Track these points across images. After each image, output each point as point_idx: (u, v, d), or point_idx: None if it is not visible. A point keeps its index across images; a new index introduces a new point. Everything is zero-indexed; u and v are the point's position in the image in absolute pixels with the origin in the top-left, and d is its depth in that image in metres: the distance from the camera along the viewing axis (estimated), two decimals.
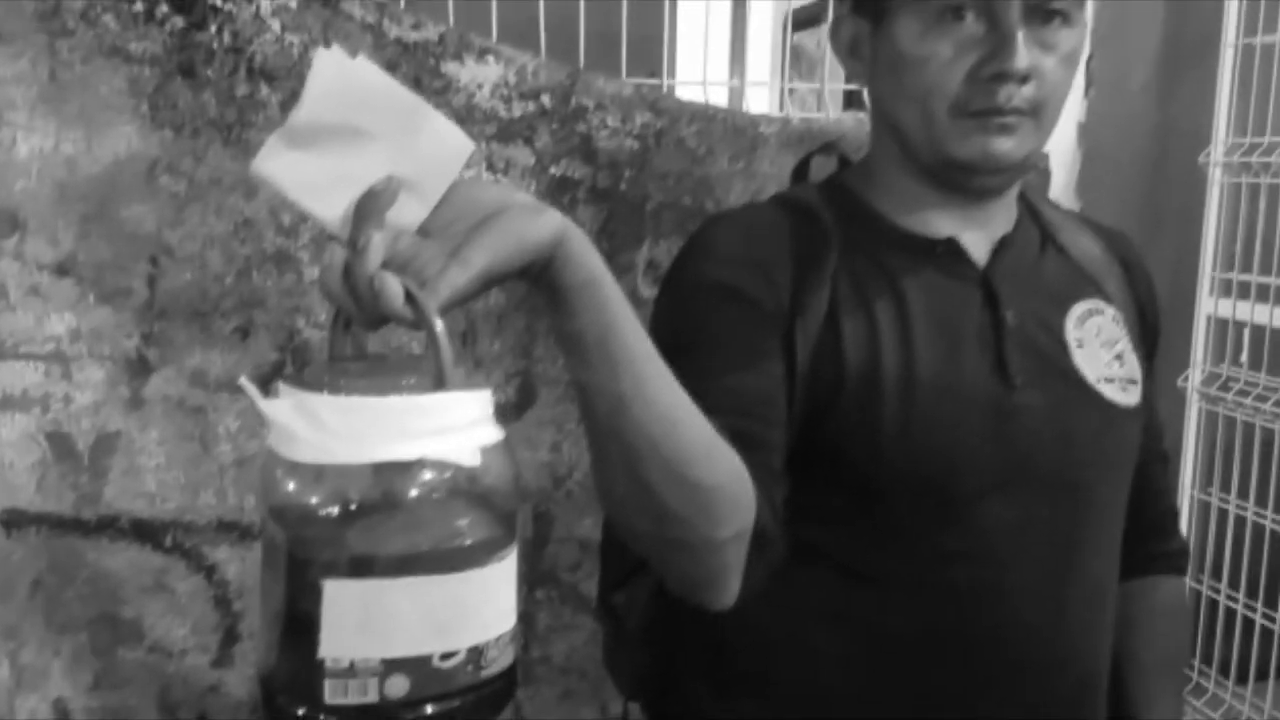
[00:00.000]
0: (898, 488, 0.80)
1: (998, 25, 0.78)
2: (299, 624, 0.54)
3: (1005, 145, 0.80)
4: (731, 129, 1.31)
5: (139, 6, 1.19)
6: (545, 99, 1.28)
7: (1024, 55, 0.77)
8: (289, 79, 1.22)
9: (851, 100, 1.55)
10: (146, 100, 1.21)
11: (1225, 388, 1.92)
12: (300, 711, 0.54)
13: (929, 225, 0.85)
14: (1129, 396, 0.87)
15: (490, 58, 1.26)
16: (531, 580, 1.34)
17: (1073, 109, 2.31)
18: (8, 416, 1.23)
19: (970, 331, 0.83)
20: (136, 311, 1.24)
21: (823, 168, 0.95)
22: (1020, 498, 0.82)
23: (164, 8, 1.20)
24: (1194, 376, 1.99)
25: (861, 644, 0.82)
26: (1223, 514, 1.94)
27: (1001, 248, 0.87)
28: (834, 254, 0.82)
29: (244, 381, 0.58)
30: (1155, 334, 0.97)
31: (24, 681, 1.28)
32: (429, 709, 0.54)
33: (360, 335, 0.61)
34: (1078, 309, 0.87)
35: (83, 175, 1.21)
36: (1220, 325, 1.96)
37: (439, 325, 0.54)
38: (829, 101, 1.46)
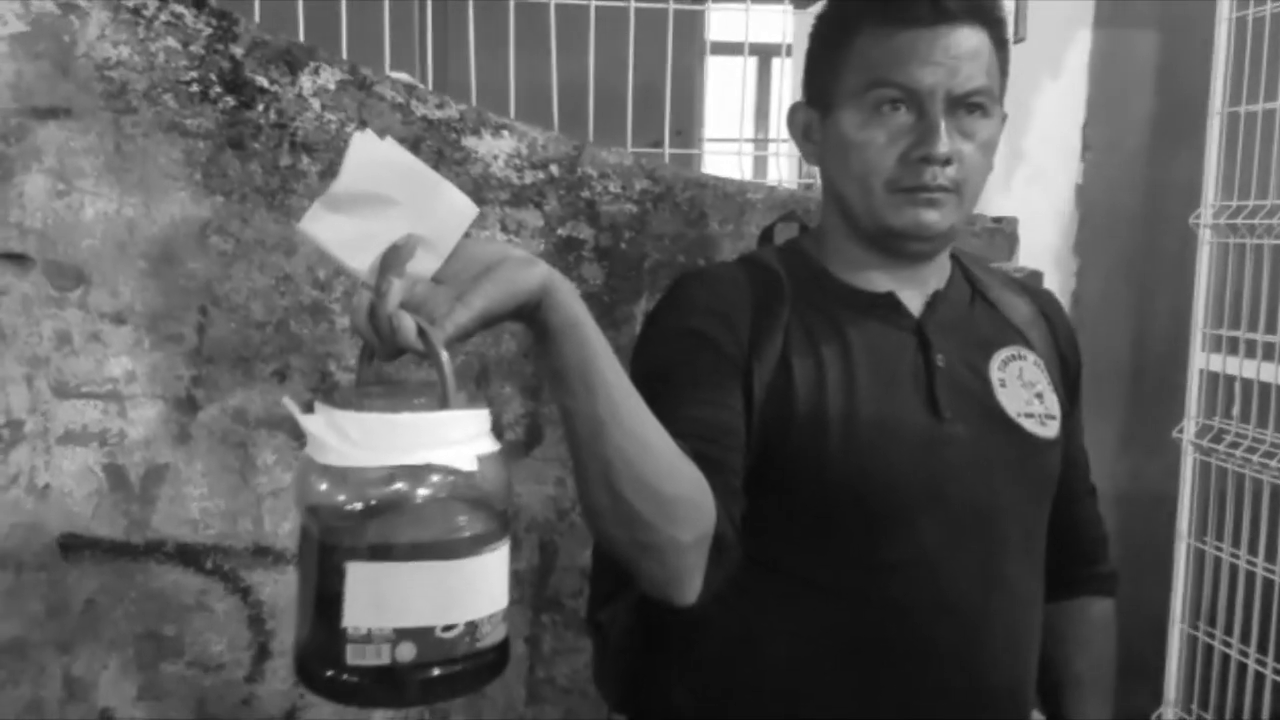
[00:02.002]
0: (841, 507, 0.90)
1: (924, 116, 0.90)
2: (327, 601, 0.64)
3: (931, 217, 0.91)
4: (721, 195, 1.43)
5: (195, 87, 1.33)
6: (553, 168, 1.40)
7: (946, 141, 0.89)
8: (327, 151, 1.34)
9: None
10: (200, 169, 1.33)
11: (1218, 439, 1.97)
12: (327, 673, 0.64)
13: (870, 282, 0.97)
14: (1047, 430, 0.98)
15: (505, 132, 1.39)
16: (537, 605, 1.43)
17: (1070, 172, 2.41)
18: (69, 450, 1.34)
19: (905, 372, 0.94)
20: (187, 356, 1.34)
21: (787, 233, 1.08)
22: (948, 517, 0.91)
23: (218, 89, 1.33)
24: (1188, 429, 2.03)
25: (813, 649, 0.91)
26: (1217, 562, 1.99)
27: (934, 301, 0.98)
28: (787, 306, 0.93)
29: (287, 401, 0.70)
30: (1076, 378, 1.07)
31: (74, 693, 1.37)
32: (433, 672, 0.63)
33: (381, 366, 0.74)
34: (1002, 354, 0.98)
35: (142, 235, 1.33)
36: (1212, 379, 2.01)
37: (444, 355, 0.66)
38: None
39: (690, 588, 0.80)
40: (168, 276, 1.34)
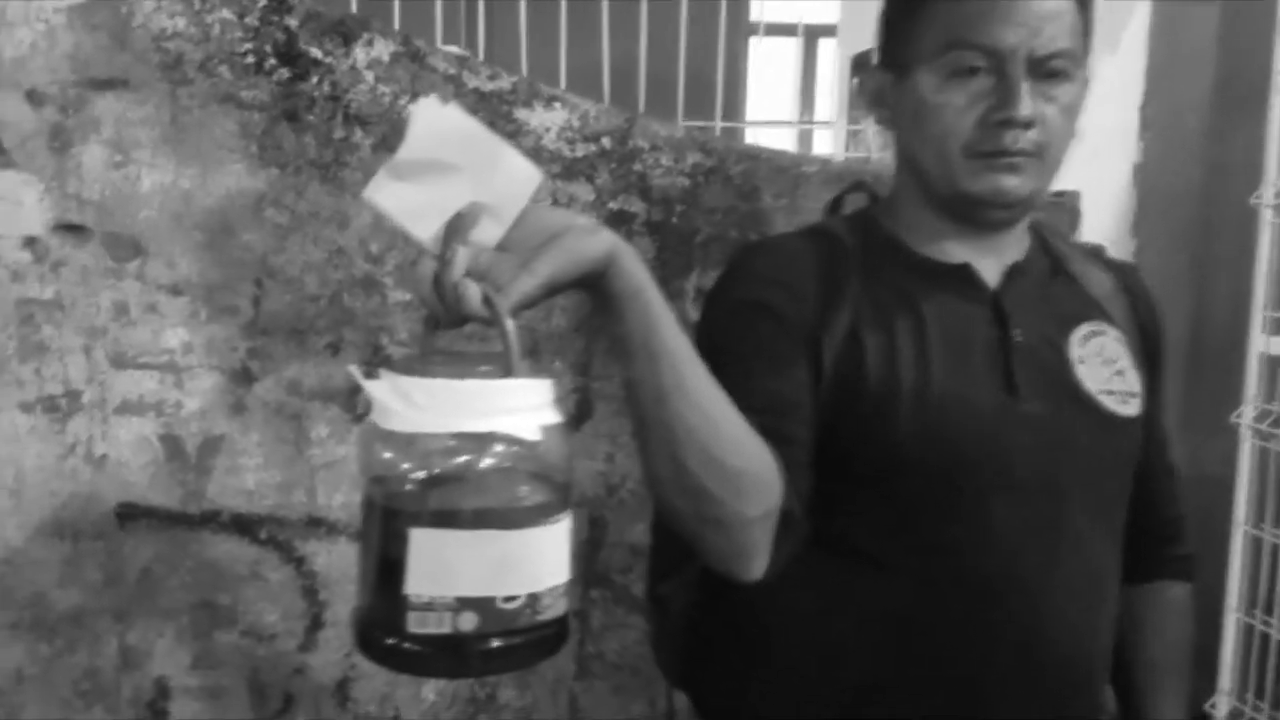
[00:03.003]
0: (909, 484, 0.88)
1: (1005, 78, 0.87)
2: (389, 568, 0.64)
3: (1012, 182, 0.89)
4: (775, 168, 1.41)
5: (250, 59, 1.33)
6: (605, 141, 1.40)
7: (1028, 104, 0.86)
8: (380, 124, 1.34)
9: None
10: (255, 142, 1.33)
11: (1277, 424, 1.94)
12: (388, 640, 0.64)
13: (945, 253, 0.95)
14: (1128, 408, 0.95)
15: (557, 104, 1.39)
16: (586, 581, 1.43)
17: (1128, 150, 2.36)
18: (126, 420, 1.35)
19: (980, 347, 0.91)
20: (242, 328, 1.34)
21: (855, 203, 1.05)
22: (1021, 497, 0.90)
23: (272, 60, 1.33)
24: (1246, 413, 2.00)
25: (878, 629, 0.90)
26: (1275, 549, 1.96)
27: (1012, 273, 0.95)
28: (856, 277, 0.91)
29: (351, 368, 0.71)
30: (1158, 356, 1.05)
31: (130, 661, 1.39)
32: (494, 643, 0.63)
33: (441, 337, 0.73)
34: (1082, 329, 0.96)
35: (198, 207, 1.33)
36: (1272, 363, 1.98)
37: (509, 323, 0.65)
38: (873, 141, 1.56)
39: (756, 563, 0.80)
40: (223, 248, 1.34)
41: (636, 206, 1.41)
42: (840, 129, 2.10)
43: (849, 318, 0.89)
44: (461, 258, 0.65)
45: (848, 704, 0.91)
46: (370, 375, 0.66)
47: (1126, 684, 1.05)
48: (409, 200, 0.68)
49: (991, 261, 0.95)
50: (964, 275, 0.94)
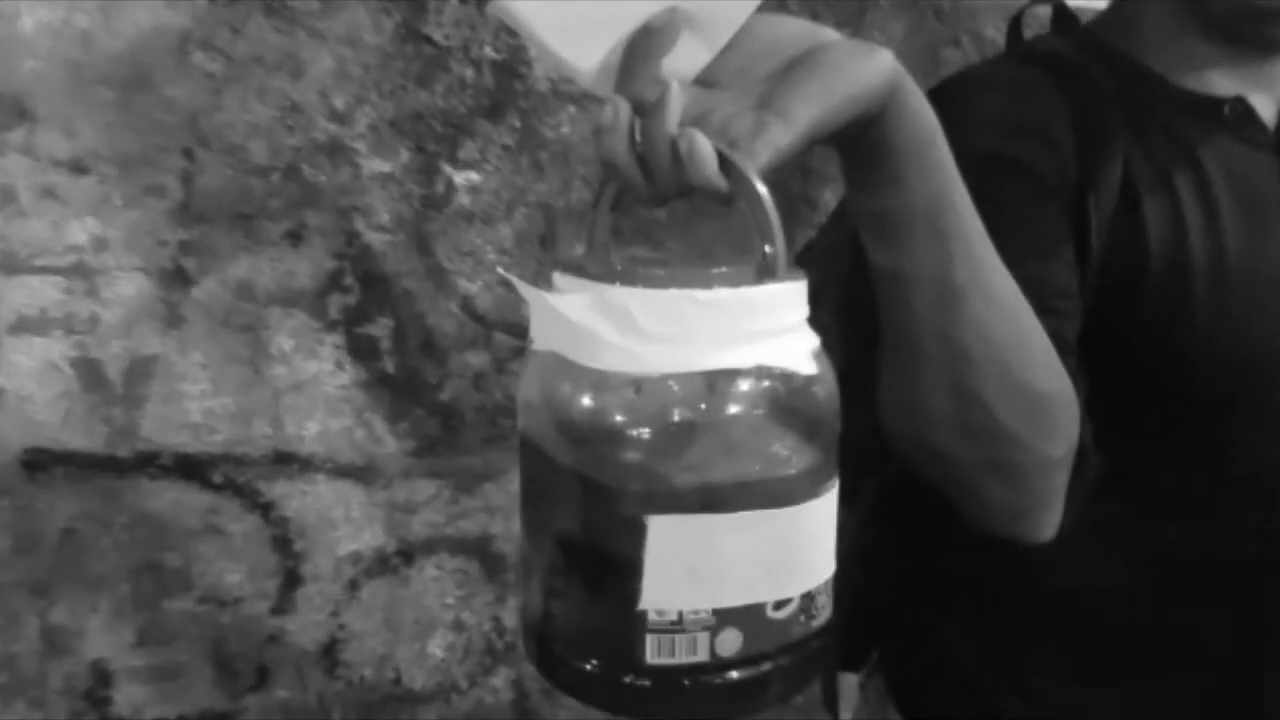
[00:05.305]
0: (1207, 389, 0.75)
1: None
2: (604, 572, 0.49)
3: None
4: None
5: None
6: None
7: None
8: None
9: None
10: None
11: None
12: (623, 678, 0.48)
13: (1211, 84, 0.80)
14: None
15: None
16: None
17: None
18: (24, 341, 1.20)
19: (1273, 207, 0.78)
20: (171, 214, 1.21)
21: (1033, 26, 0.88)
22: None
23: None
24: None
25: (1153, 584, 0.78)
26: None
27: None
28: (1120, 120, 0.76)
29: (505, 273, 0.52)
30: None
31: (56, 644, 1.27)
32: (763, 667, 0.49)
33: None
34: None
35: (101, 53, 1.16)
36: None
37: (765, 192, 0.48)
38: None
39: (1052, 517, 0.65)
40: (139, 109, 1.18)
41: None
42: None
43: (1120, 175, 0.73)
44: (677, 97, 0.48)
45: (1124, 682, 0.79)
46: (541, 282, 0.50)
47: None
48: (557, 7, 0.51)
49: (1265, 96, 0.81)
50: (1241, 112, 0.79)
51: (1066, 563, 0.76)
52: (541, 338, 0.49)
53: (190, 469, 1.25)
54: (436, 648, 1.34)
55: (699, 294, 0.46)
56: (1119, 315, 0.72)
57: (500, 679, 1.37)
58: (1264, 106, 0.80)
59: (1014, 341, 0.58)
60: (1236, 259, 0.73)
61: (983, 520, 0.66)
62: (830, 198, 1.27)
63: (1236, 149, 0.77)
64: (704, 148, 0.47)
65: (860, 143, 0.53)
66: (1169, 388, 0.74)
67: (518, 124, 1.23)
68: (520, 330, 1.26)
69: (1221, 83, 0.79)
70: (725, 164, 0.48)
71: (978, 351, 0.57)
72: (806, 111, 0.49)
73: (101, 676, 1.29)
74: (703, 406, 0.49)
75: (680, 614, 0.47)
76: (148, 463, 1.25)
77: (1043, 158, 0.72)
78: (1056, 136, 0.73)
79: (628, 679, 0.48)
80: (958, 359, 0.58)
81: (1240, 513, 0.77)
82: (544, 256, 1.23)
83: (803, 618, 0.50)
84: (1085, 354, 0.71)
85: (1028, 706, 0.82)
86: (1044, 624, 0.81)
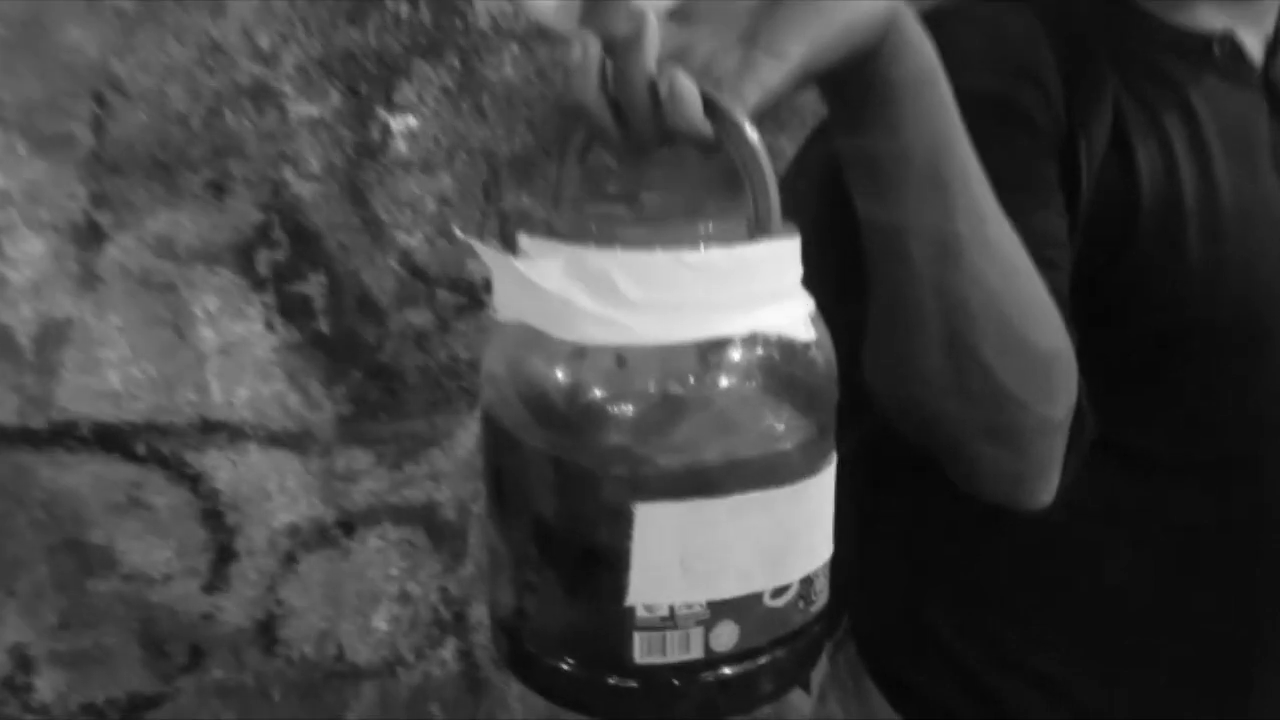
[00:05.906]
0: (1200, 341, 0.73)
1: None
2: (586, 564, 0.45)
3: None
4: None
5: None
6: None
7: None
8: None
9: None
10: None
11: None
12: (606, 679, 0.46)
13: (1197, 19, 0.78)
14: None
15: None
16: None
17: None
18: None
19: (1262, 145, 0.76)
20: (81, 165, 1.16)
21: None
22: None
23: None
24: None
25: (1150, 551, 0.76)
26: None
27: (1276, 48, 0.80)
28: (1108, 61, 0.73)
29: (465, 237, 0.51)
30: None
31: None
32: (760, 660, 0.47)
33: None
34: None
35: None
36: None
37: (757, 139, 0.44)
38: None
39: (1049, 483, 0.63)
40: (43, 50, 1.13)
41: None
42: None
43: (1110, 120, 0.71)
44: (654, 33, 0.44)
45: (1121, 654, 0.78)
46: (506, 246, 0.46)
47: None
48: None
49: (1252, 31, 0.79)
50: (1229, 49, 0.76)
51: (1051, 530, 0.75)
52: (507, 307, 0.45)
53: (111, 440, 1.22)
54: (381, 621, 1.31)
55: (688, 255, 0.42)
56: (1109, 264, 0.70)
57: (449, 650, 1.34)
58: (1252, 42, 0.77)
59: (1015, 296, 0.56)
60: (1228, 199, 0.72)
61: (976, 487, 0.63)
62: (788, 143, 1.23)
63: (1225, 88, 0.75)
64: (687, 89, 0.43)
65: (853, 80, 0.49)
66: (1163, 336, 0.72)
67: (457, 64, 1.17)
68: (464, 286, 1.22)
69: (1210, 16, 0.77)
70: (710, 107, 0.44)
71: (977, 308, 0.54)
72: (798, 46, 0.45)
73: (21, 662, 1.26)
74: (692, 380, 0.45)
75: (671, 608, 0.44)
76: (65, 434, 1.22)
77: (1033, 99, 0.69)
78: (1044, 78, 0.70)
79: (613, 680, 0.45)
80: (956, 316, 0.55)
81: (1230, 477, 0.75)
82: (487, 208, 1.19)
83: (801, 604, 0.47)
84: (1074, 307, 0.69)
85: (1008, 678, 0.81)
86: (1027, 593, 0.80)
